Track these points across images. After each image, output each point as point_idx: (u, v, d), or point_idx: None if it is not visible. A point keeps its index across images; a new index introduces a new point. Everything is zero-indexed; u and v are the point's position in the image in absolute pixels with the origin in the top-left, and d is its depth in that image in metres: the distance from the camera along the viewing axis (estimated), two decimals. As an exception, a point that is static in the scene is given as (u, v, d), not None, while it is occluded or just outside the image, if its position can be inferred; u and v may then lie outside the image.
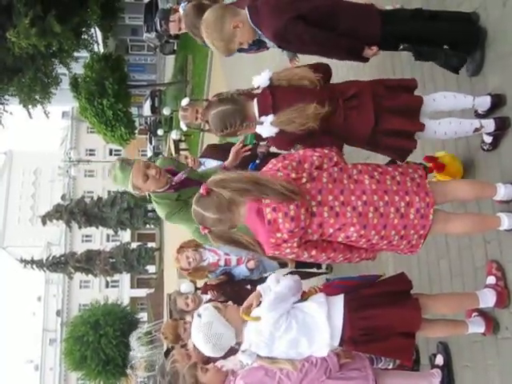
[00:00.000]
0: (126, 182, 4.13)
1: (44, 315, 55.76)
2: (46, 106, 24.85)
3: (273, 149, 4.92)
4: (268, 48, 4.43)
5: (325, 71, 3.52)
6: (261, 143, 5.43)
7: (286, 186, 2.80)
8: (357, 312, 3.14)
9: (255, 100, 3.32)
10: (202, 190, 2.88)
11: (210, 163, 5.68)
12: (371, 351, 3.41)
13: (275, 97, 3.28)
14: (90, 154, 52.70)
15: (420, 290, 3.63)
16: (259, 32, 3.55)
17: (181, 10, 4.71)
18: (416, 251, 3.07)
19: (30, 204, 59.31)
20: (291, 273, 6.16)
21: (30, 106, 23.86)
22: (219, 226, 2.95)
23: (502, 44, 3.59)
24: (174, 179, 4.24)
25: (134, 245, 45.10)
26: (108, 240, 52.59)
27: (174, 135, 19.70)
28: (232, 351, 3.42)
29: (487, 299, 3.45)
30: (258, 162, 5.03)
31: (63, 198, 48.35)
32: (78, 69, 24.51)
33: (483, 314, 3.62)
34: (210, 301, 5.13)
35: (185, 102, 5.57)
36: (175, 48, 29.37)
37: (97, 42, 27.13)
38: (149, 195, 4.27)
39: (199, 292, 6.11)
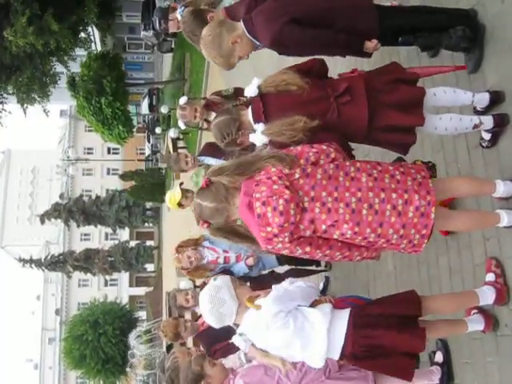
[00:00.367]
0: None
1: (43, 314, 55.76)
2: (46, 105, 24.82)
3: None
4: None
5: (320, 67, 3.52)
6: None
7: (272, 154, 2.94)
8: (361, 329, 3.10)
9: (249, 108, 3.37)
10: (203, 184, 2.96)
11: (209, 161, 5.67)
12: (372, 368, 3.36)
13: (265, 104, 3.33)
14: (88, 153, 52.66)
15: (419, 287, 3.64)
16: (257, 43, 3.58)
17: (178, 16, 4.70)
18: (419, 251, 3.01)
19: (28, 203, 59.28)
20: (290, 270, 6.20)
21: (28, 105, 23.82)
22: (217, 217, 2.98)
23: (500, 41, 3.58)
24: None
25: (133, 243, 45.14)
26: (106, 238, 52.63)
27: (172, 133, 19.65)
28: (232, 349, 3.42)
29: (487, 296, 3.44)
30: None
31: (61, 196, 48.38)
32: (76, 67, 24.46)
33: (483, 311, 3.61)
34: None
35: (183, 100, 5.55)
36: (173, 46, 29.33)
37: (94, 40, 27.09)
38: None
39: (198, 290, 6.11)
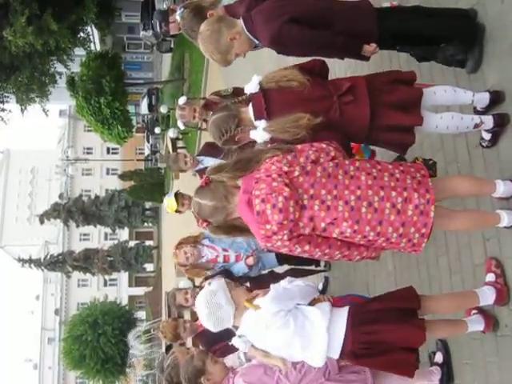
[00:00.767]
0: None
1: (42, 314, 55.75)
2: (45, 105, 24.80)
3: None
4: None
5: (321, 67, 3.52)
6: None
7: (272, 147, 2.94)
8: (360, 326, 3.09)
9: (250, 104, 3.33)
10: (202, 182, 2.94)
11: (208, 161, 5.66)
12: (372, 365, 3.36)
13: (268, 100, 3.30)
14: (88, 153, 52.68)
15: (419, 287, 3.63)
16: (256, 41, 3.56)
17: (178, 18, 4.70)
18: (419, 250, 3.00)
19: (27, 203, 59.26)
20: (290, 270, 6.19)
21: (27, 105, 23.81)
22: (216, 216, 2.97)
23: (500, 40, 3.58)
24: None
25: (132, 243, 45.13)
26: (106, 238, 52.64)
27: (172, 133, 19.63)
28: (231, 349, 3.41)
29: (487, 297, 3.43)
30: None
31: (61, 196, 48.36)
32: (75, 67, 24.45)
33: (483, 311, 3.60)
34: None
35: (182, 100, 5.55)
36: (172, 46, 29.33)
37: (93, 40, 27.08)
38: None
39: (198, 289, 6.10)
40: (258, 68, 3.42)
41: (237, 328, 3.16)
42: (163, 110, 24.40)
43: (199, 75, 20.36)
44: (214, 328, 3.16)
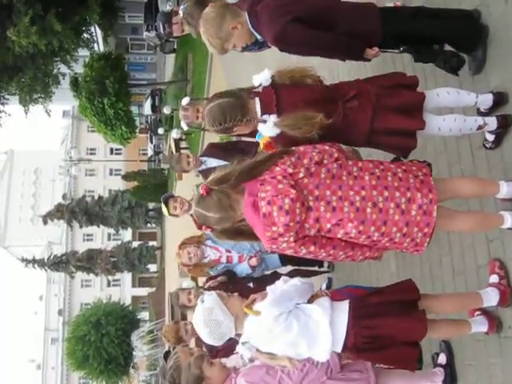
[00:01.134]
0: None
1: (46, 314, 55.83)
2: (48, 105, 24.85)
3: (274, 148, 4.91)
4: (270, 47, 4.42)
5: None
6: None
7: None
8: (362, 320, 3.10)
9: (257, 98, 3.28)
10: (202, 191, 2.88)
11: (212, 162, 5.67)
12: (375, 359, 3.36)
13: (279, 96, 3.25)
14: (91, 153, 52.69)
15: (422, 288, 3.62)
16: (258, 36, 3.54)
17: (180, 13, 4.70)
18: (422, 250, 3.02)
19: (31, 203, 59.36)
20: (293, 271, 6.19)
21: (30, 105, 23.86)
22: (223, 225, 2.97)
23: (504, 41, 3.57)
24: None
25: (136, 244, 45.19)
26: (109, 239, 52.69)
27: (175, 134, 19.67)
28: (234, 348, 3.41)
29: (490, 298, 3.43)
30: None
31: (64, 197, 48.45)
32: (78, 68, 24.49)
33: (486, 312, 3.60)
34: None
35: (185, 101, 5.56)
36: (175, 47, 29.34)
37: (97, 40, 27.12)
38: None
39: (201, 290, 6.10)
40: (260, 69, 3.39)
41: (239, 336, 3.15)
42: (166, 110, 24.41)
43: (202, 76, 20.36)
44: (217, 343, 3.16)
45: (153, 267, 45.21)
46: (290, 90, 3.28)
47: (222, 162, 5.64)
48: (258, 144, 5.52)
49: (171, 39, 24.09)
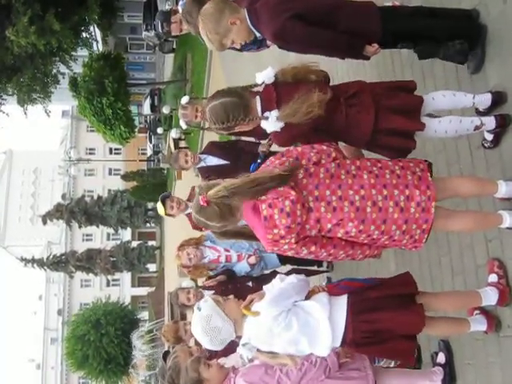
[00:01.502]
0: None
1: (45, 314, 55.81)
2: (47, 105, 24.83)
3: (274, 147, 4.91)
4: (269, 46, 4.43)
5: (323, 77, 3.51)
6: (262, 142, 5.42)
7: (282, 169, 2.84)
8: (360, 315, 3.12)
9: (257, 96, 3.29)
10: (201, 202, 2.83)
11: (211, 160, 5.67)
12: (373, 353, 3.39)
13: (279, 92, 3.26)
14: (90, 153, 52.64)
15: (422, 287, 3.62)
16: (257, 34, 3.53)
17: (180, 9, 4.69)
18: (420, 246, 3.04)
19: (30, 203, 59.34)
20: (292, 270, 6.19)
21: (28, 105, 23.84)
22: (224, 229, 2.98)
23: (502, 41, 3.57)
24: None
25: (135, 243, 45.16)
26: (108, 239, 52.67)
27: (174, 134, 19.69)
28: (233, 348, 3.41)
29: (489, 297, 3.43)
30: (259, 161, 5.03)
31: (63, 197, 48.42)
32: (77, 68, 24.47)
33: (485, 311, 3.61)
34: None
35: (184, 100, 5.56)
36: (174, 46, 29.34)
37: (96, 40, 27.10)
38: None
39: (200, 289, 6.11)
40: (260, 69, 3.39)
41: (239, 338, 3.15)
42: (165, 110, 24.41)
43: (201, 76, 20.36)
44: (218, 348, 3.18)
45: (152, 267, 45.22)
46: (291, 87, 3.27)
47: (221, 161, 5.65)
48: (258, 143, 5.54)
49: (170, 39, 24.10)
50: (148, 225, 46.99)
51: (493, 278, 3.55)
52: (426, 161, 3.12)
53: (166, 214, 5.93)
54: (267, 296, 3.10)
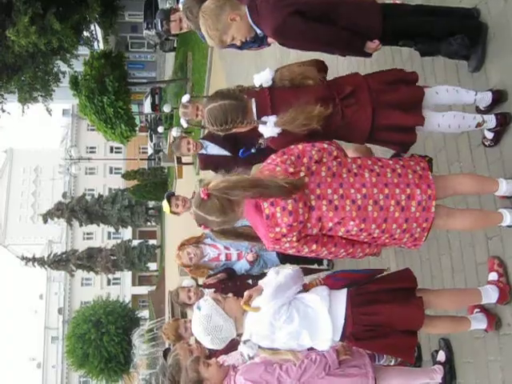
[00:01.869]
0: None
1: (46, 313, 55.83)
2: (48, 104, 24.83)
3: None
4: (269, 45, 4.42)
5: (321, 68, 3.51)
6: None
7: (287, 181, 2.80)
8: (360, 307, 3.14)
9: (253, 100, 3.30)
10: (202, 195, 2.82)
11: (213, 148, 5.63)
12: (373, 348, 3.40)
13: (274, 98, 3.28)
14: (91, 152, 52.64)
15: (422, 286, 3.63)
16: (258, 30, 3.52)
17: (180, 6, 4.69)
18: (419, 245, 3.05)
19: (31, 202, 59.32)
20: (292, 269, 6.20)
21: (29, 104, 23.84)
22: (224, 226, 2.97)
23: (503, 39, 3.57)
24: None
25: (136, 242, 45.13)
26: (109, 237, 52.69)
27: (175, 132, 19.65)
28: (234, 346, 3.42)
29: (490, 295, 3.44)
30: (252, 151, 4.95)
31: (64, 195, 48.39)
32: (78, 66, 24.46)
33: (485, 310, 3.61)
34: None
35: (185, 98, 5.56)
36: (175, 45, 29.33)
37: (97, 39, 27.09)
38: None
39: (201, 288, 6.11)
40: (260, 68, 3.39)
41: (240, 335, 3.16)
42: (166, 109, 24.41)
43: (202, 74, 20.34)
44: (220, 347, 3.18)
45: (153, 266, 45.22)
46: (287, 93, 3.29)
47: (222, 151, 5.61)
48: (259, 135, 5.51)
49: (170, 37, 24.07)
50: (149, 223, 46.99)
51: (493, 276, 3.55)
52: (426, 156, 3.12)
53: (171, 212, 5.92)
54: (266, 290, 3.10)
